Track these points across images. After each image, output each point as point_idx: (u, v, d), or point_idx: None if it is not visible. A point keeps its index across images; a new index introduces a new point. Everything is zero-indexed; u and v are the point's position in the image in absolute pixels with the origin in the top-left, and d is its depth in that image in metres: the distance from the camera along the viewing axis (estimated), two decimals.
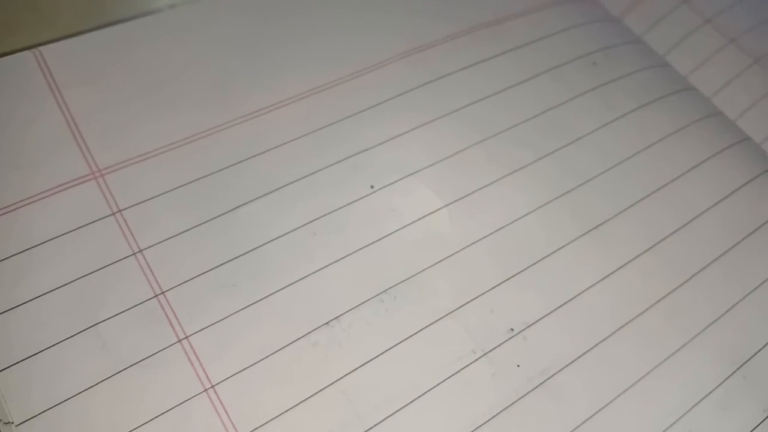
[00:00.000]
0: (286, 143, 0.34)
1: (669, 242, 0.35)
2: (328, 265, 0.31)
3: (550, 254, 0.33)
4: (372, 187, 0.34)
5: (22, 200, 0.30)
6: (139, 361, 0.27)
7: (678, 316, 0.33)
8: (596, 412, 0.29)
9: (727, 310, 0.33)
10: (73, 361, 0.27)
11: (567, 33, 0.43)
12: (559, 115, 0.38)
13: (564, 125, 0.38)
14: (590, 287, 0.33)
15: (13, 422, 0.26)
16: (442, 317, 0.31)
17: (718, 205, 0.37)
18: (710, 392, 0.31)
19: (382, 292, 0.31)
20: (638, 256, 0.34)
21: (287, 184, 0.33)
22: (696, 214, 0.36)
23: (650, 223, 0.35)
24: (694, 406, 0.30)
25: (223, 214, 0.32)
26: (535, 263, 0.33)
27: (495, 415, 0.29)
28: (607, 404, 0.30)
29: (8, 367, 0.27)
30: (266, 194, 0.32)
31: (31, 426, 0.26)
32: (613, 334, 0.32)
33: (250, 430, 0.27)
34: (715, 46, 0.47)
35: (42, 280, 0.29)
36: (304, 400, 0.28)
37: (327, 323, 0.30)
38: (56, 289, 0.29)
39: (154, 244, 0.30)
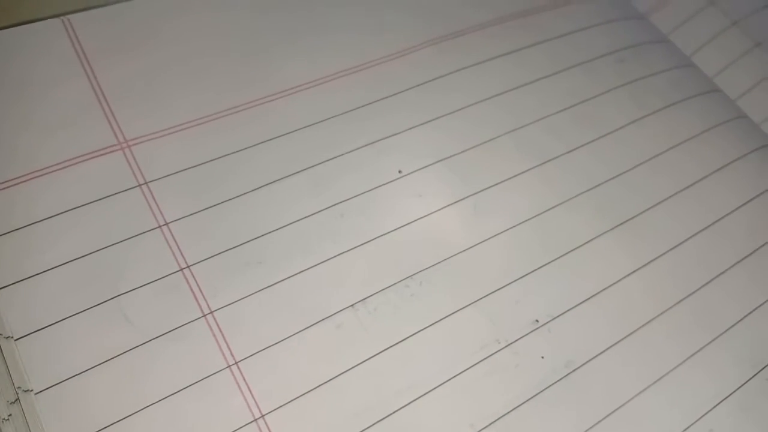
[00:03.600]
0: (314, 124, 0.34)
1: (695, 241, 0.35)
2: (354, 248, 0.31)
3: (577, 248, 0.33)
4: (400, 172, 0.33)
5: (47, 167, 0.30)
6: (162, 335, 0.27)
7: (702, 316, 0.32)
8: (618, 408, 0.29)
9: (750, 312, 0.33)
10: (95, 332, 0.27)
11: (597, 29, 0.42)
12: (589, 109, 0.38)
13: (594, 119, 0.38)
14: (616, 282, 0.32)
15: (32, 390, 0.25)
16: (467, 305, 0.30)
17: (744, 207, 0.37)
18: (732, 393, 0.31)
19: (407, 278, 0.31)
20: (665, 253, 0.34)
21: (316, 165, 0.33)
22: (722, 215, 0.36)
23: (677, 220, 0.35)
24: (716, 405, 0.30)
25: (251, 191, 0.31)
26: (561, 256, 0.33)
27: (517, 406, 0.28)
28: (630, 400, 0.30)
29: (28, 334, 0.26)
30: (294, 174, 0.32)
31: (51, 394, 0.25)
32: (637, 330, 0.31)
33: (272, 408, 0.27)
34: (741, 49, 0.46)
35: (63, 249, 0.28)
36: (327, 381, 0.28)
37: (352, 305, 0.29)
38: (78, 258, 0.28)
39: (180, 218, 0.30)
